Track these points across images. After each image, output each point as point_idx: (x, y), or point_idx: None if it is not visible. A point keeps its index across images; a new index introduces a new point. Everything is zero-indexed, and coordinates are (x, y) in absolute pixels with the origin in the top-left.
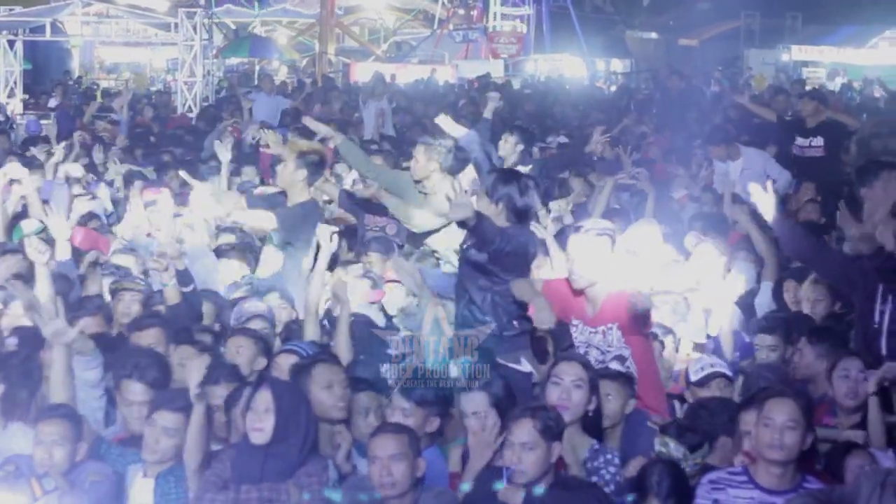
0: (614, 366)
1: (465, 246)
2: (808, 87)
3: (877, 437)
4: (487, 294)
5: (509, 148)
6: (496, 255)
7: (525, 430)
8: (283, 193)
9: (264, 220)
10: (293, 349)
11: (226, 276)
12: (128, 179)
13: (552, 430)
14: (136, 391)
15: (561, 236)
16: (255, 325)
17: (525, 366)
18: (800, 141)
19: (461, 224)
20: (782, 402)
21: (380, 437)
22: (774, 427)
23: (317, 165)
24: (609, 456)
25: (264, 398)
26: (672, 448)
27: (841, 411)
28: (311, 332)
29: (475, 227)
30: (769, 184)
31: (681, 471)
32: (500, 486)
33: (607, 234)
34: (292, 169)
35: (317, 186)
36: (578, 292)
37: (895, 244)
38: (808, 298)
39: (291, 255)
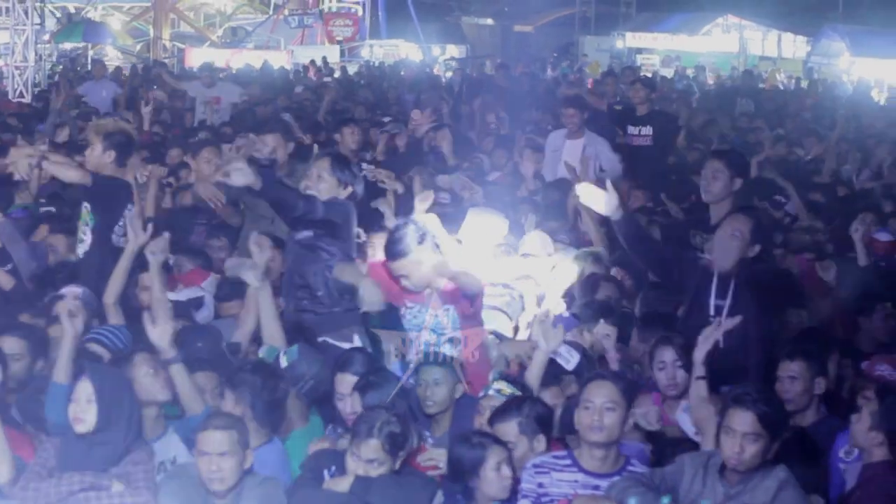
0: (447, 349)
1: (290, 232)
2: (640, 74)
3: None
4: (319, 271)
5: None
6: (314, 225)
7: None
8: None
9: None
10: (97, 338)
11: None
12: None
13: None
14: None
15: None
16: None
17: (357, 342)
18: (630, 129)
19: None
20: (600, 384)
21: (209, 433)
22: (594, 409)
23: (124, 146)
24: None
25: (85, 388)
26: (505, 385)
27: (666, 398)
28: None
29: (264, 193)
30: (608, 183)
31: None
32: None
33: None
34: (100, 152)
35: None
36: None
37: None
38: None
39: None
